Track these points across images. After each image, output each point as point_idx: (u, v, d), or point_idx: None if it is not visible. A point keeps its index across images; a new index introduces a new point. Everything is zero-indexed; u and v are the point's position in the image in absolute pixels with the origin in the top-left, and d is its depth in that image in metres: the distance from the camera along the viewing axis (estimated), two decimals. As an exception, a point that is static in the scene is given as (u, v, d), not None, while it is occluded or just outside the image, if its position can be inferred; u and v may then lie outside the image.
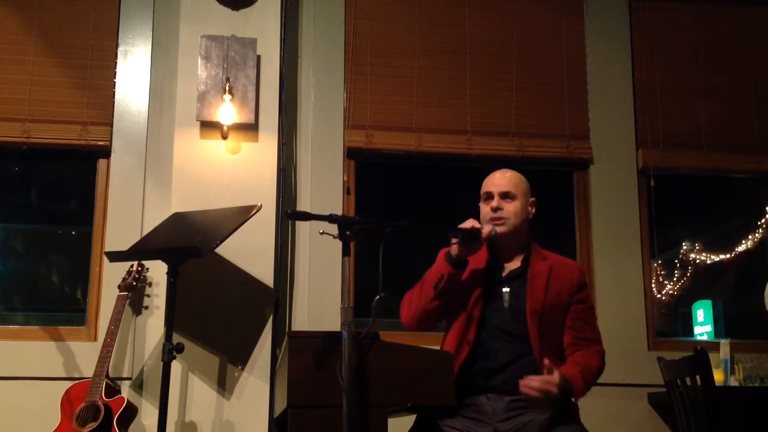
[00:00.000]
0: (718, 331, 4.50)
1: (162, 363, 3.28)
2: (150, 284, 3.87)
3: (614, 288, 4.19)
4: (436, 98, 4.31)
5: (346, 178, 4.18)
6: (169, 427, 3.34)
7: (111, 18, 4.16)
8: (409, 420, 2.66)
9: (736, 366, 3.86)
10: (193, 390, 3.69)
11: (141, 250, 3.57)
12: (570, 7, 4.49)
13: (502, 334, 2.63)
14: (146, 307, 3.87)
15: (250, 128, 3.95)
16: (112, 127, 4.06)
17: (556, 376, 2.43)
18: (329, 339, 2.30)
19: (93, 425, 3.36)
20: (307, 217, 2.46)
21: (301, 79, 4.25)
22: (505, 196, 2.71)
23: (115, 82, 4.10)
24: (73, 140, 4.03)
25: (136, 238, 3.75)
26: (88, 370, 3.62)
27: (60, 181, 4.47)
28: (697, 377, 2.98)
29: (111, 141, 4.05)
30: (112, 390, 3.51)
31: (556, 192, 4.43)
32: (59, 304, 4.38)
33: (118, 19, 4.16)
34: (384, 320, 3.77)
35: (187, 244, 3.35)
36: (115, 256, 3.53)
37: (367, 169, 4.31)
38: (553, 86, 4.39)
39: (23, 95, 4.03)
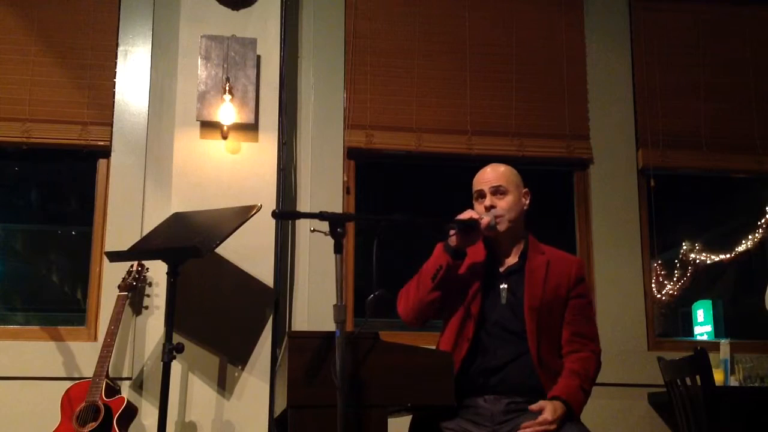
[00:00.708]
0: (718, 331, 4.50)
1: (162, 363, 3.28)
2: (150, 284, 3.87)
3: (614, 288, 4.19)
4: (436, 98, 4.31)
5: (346, 178, 4.18)
6: (169, 427, 3.34)
7: (111, 18, 4.16)
8: (409, 420, 2.66)
9: (736, 366, 3.86)
10: (193, 390, 3.69)
11: (141, 250, 3.57)
12: (570, 7, 4.49)
13: (501, 330, 2.62)
14: (146, 307, 3.87)
15: (250, 128, 3.95)
16: (112, 127, 4.06)
17: (548, 415, 2.43)
18: (329, 339, 2.29)
19: (93, 425, 3.36)
20: (295, 216, 2.45)
21: (301, 79, 4.25)
22: (497, 191, 2.69)
23: (115, 82, 4.10)
24: (73, 140, 4.03)
25: (136, 238, 3.75)
26: (88, 370, 3.62)
27: (60, 181, 4.47)
28: (697, 377, 2.98)
29: (111, 141, 4.05)
30: (112, 390, 3.51)
31: (556, 192, 4.43)
32: (59, 304, 4.38)
33: (118, 19, 4.16)
34: (384, 320, 3.80)
35: (187, 244, 3.35)
36: (115, 256, 3.53)
37: (367, 169, 4.31)
38: (553, 86, 4.39)
39: (23, 95, 4.03)
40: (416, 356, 2.40)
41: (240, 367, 3.74)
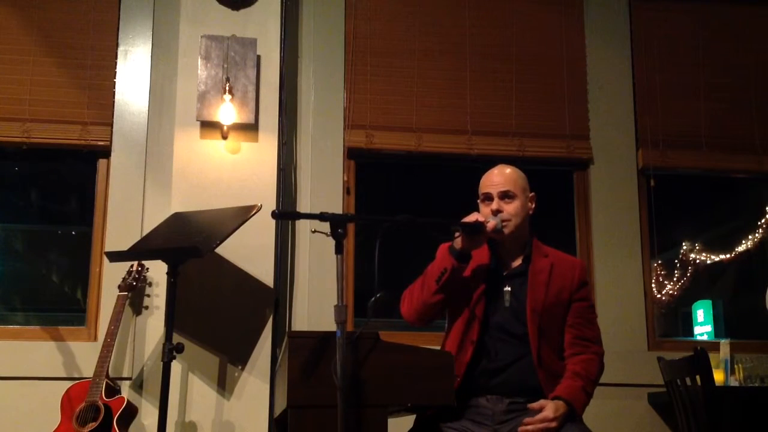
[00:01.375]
0: (718, 331, 4.50)
1: (162, 363, 3.28)
2: (150, 284, 3.87)
3: (614, 288, 4.19)
4: (436, 98, 4.31)
5: (346, 178, 4.18)
6: (169, 427, 3.34)
7: (111, 18, 4.16)
8: (409, 420, 2.66)
9: (736, 366, 3.86)
10: (193, 390, 3.69)
11: (141, 250, 3.57)
12: (570, 7, 4.49)
13: (503, 333, 2.62)
14: (146, 307, 3.87)
15: (250, 128, 3.95)
16: (112, 127, 4.06)
17: (549, 412, 2.43)
18: (329, 339, 2.29)
19: (93, 425, 3.36)
20: (295, 216, 2.43)
21: (301, 79, 4.25)
22: (504, 195, 2.68)
23: (115, 82, 4.10)
24: (73, 140, 4.03)
25: (136, 238, 3.75)
26: (88, 370, 3.62)
27: (60, 181, 4.46)
28: (697, 377, 2.98)
29: (111, 141, 4.04)
30: (112, 390, 3.51)
31: (556, 192, 4.43)
32: (59, 304, 4.37)
33: (118, 19, 4.16)
34: (384, 320, 3.80)
35: (187, 244, 3.35)
36: (115, 256, 3.53)
37: (367, 169, 4.31)
38: (553, 86, 4.39)
39: (23, 95, 4.03)
40: (416, 356, 2.40)
41: (240, 367, 3.74)
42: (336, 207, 4.07)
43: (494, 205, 2.68)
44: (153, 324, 3.83)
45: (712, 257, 4.42)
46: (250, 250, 3.80)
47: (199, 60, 3.92)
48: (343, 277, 2.33)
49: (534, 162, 4.27)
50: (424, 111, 4.28)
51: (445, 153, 4.28)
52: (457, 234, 2.60)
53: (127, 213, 3.96)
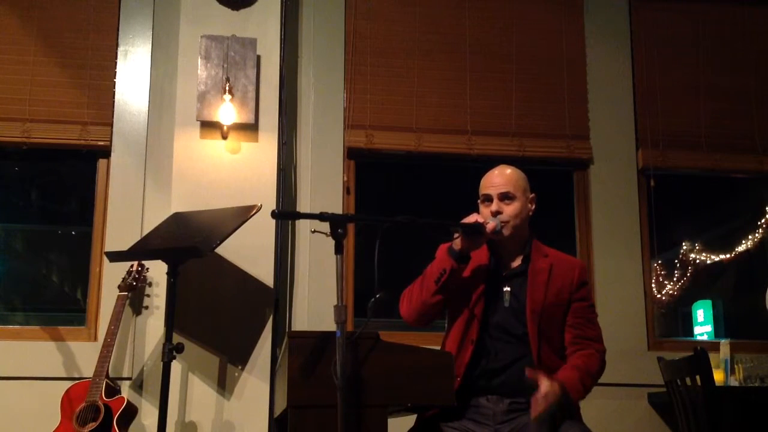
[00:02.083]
0: (718, 331, 4.50)
1: (162, 363, 3.28)
2: (150, 284, 3.87)
3: (614, 288, 4.19)
4: (436, 98, 4.31)
5: (346, 178, 4.18)
6: (169, 427, 3.34)
7: (111, 18, 4.16)
8: (409, 420, 2.66)
9: (736, 366, 3.85)
10: (193, 390, 3.69)
11: (141, 250, 3.57)
12: (570, 7, 4.50)
13: (503, 333, 2.62)
14: (146, 307, 3.87)
15: (250, 128, 3.95)
16: (112, 127, 4.06)
17: (543, 388, 2.41)
18: (329, 339, 2.29)
19: (93, 425, 3.36)
20: (295, 216, 2.43)
21: (301, 79, 4.25)
22: (504, 197, 2.68)
23: (115, 82, 4.10)
24: (73, 140, 4.03)
25: (136, 238, 3.75)
26: (88, 370, 3.62)
27: (60, 181, 4.46)
28: (697, 377, 2.98)
29: (111, 141, 4.05)
30: (112, 390, 3.51)
31: (556, 192, 4.43)
32: (59, 304, 4.37)
33: (118, 19, 4.16)
34: (384, 320, 3.80)
35: (187, 244, 3.35)
36: (115, 256, 3.53)
37: (367, 169, 4.31)
38: (553, 86, 4.39)
39: (23, 95, 4.03)
40: (416, 356, 2.40)
41: (240, 367, 3.74)
42: (336, 207, 4.07)
43: (494, 207, 2.67)
44: (153, 324, 3.83)
45: (712, 257, 4.42)
46: (250, 250, 3.80)
47: (199, 60, 3.92)
48: (343, 277, 2.33)
49: (534, 162, 4.27)
50: (423, 111, 4.28)
51: (445, 153, 4.28)
52: (456, 235, 2.60)
53: (127, 213, 3.97)
